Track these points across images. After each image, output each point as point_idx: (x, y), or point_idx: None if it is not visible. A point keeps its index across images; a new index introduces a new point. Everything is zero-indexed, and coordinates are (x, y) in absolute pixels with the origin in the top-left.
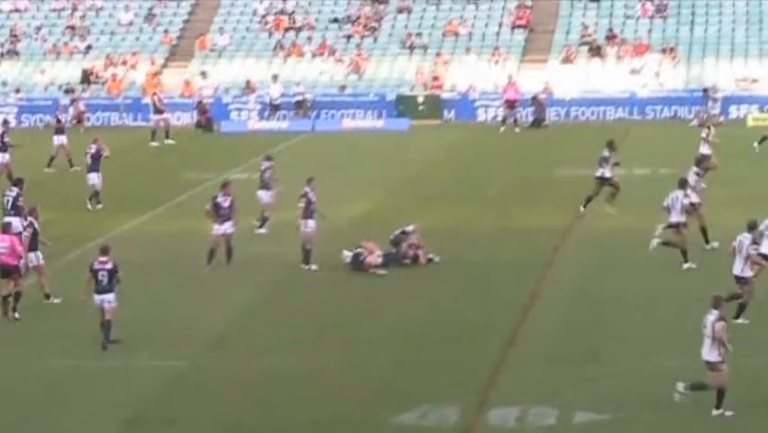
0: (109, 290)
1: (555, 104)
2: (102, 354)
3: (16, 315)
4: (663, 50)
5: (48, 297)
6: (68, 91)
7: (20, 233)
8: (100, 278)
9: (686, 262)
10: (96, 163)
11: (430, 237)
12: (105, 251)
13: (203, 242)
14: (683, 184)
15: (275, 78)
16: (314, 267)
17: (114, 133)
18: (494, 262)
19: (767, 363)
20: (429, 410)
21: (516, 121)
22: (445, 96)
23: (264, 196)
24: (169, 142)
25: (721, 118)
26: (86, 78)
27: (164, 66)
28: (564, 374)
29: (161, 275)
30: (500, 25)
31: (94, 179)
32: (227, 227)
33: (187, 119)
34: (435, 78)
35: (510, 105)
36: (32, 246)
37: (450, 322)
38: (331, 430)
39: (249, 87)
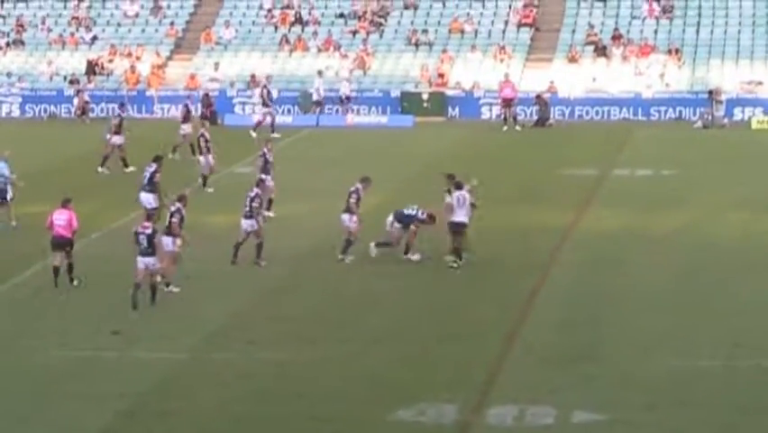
0: (150, 254)
1: (560, 103)
2: (101, 345)
3: (75, 283)
4: (669, 52)
5: (167, 285)
6: (73, 82)
7: (154, 209)
8: (140, 241)
9: None
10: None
11: (431, 234)
12: (148, 217)
13: (206, 234)
14: None
15: (320, 73)
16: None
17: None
18: (494, 260)
19: None
20: (427, 408)
21: (515, 119)
22: (450, 93)
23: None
24: (275, 135)
25: (725, 121)
26: (91, 69)
27: (169, 58)
28: (563, 374)
29: None
30: (506, 24)
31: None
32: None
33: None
34: (440, 76)
35: (507, 103)
36: (174, 232)
37: (449, 320)
38: (329, 425)
39: (253, 81)
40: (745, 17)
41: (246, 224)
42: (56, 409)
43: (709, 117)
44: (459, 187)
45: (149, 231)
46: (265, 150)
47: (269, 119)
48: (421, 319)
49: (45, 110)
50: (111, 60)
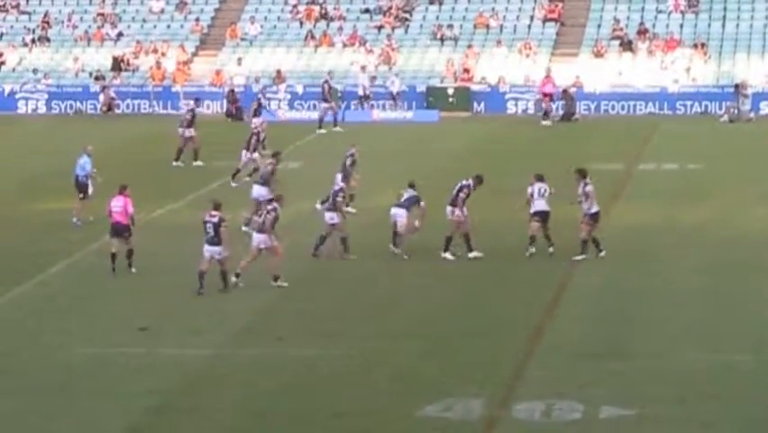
0: (216, 243)
1: (585, 98)
2: (126, 342)
3: (133, 270)
4: (695, 46)
5: (276, 279)
6: (98, 78)
7: (270, 200)
8: (207, 230)
9: None
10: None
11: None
12: (216, 206)
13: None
14: None
15: (363, 68)
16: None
17: (144, 121)
18: (521, 255)
19: None
20: (454, 403)
21: (546, 114)
22: (475, 88)
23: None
24: (338, 129)
25: (752, 114)
26: (117, 65)
27: (194, 54)
28: (590, 369)
29: (189, 264)
30: (531, 18)
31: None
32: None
33: (217, 108)
34: (466, 71)
35: (548, 98)
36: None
37: (476, 315)
38: (356, 421)
39: (279, 77)
40: None
41: (328, 216)
42: (83, 407)
43: (736, 111)
44: (540, 179)
45: (215, 219)
46: (353, 150)
47: (330, 114)
48: (447, 315)
49: (71, 106)
50: (136, 57)
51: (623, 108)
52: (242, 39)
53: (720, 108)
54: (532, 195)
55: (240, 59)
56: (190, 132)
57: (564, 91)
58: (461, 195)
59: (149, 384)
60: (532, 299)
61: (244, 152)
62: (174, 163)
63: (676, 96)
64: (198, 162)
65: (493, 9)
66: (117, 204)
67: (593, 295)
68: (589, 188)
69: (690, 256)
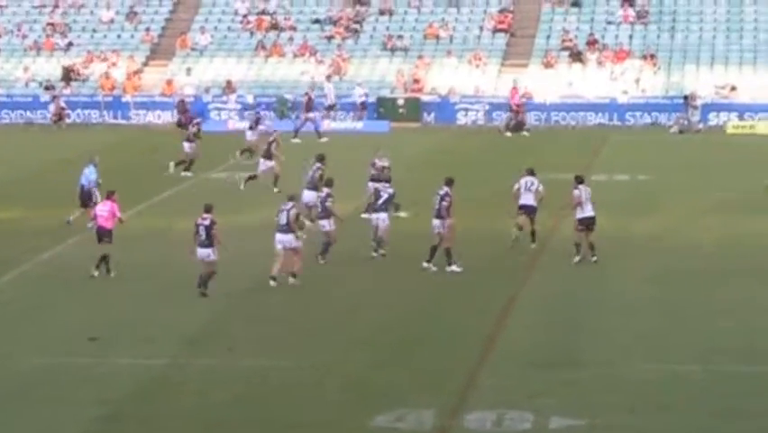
0: (207, 245)
1: (535, 108)
2: (78, 352)
3: (112, 274)
4: (644, 57)
5: (294, 276)
6: (48, 88)
7: (324, 203)
8: (200, 233)
9: None
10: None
11: (409, 240)
12: (207, 208)
13: (184, 239)
14: None
15: (329, 78)
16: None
17: (95, 130)
18: (474, 264)
19: None
20: (406, 413)
21: (521, 125)
22: (425, 99)
23: (309, 197)
24: (323, 140)
25: (701, 125)
26: (67, 75)
27: (145, 64)
28: (542, 378)
29: (141, 272)
30: (481, 29)
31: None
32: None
33: (167, 118)
34: (416, 81)
35: (518, 109)
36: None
37: (429, 324)
38: (308, 431)
39: (229, 87)
40: (719, 22)
41: (321, 223)
42: (34, 416)
43: (685, 122)
44: (531, 173)
45: (207, 222)
46: (319, 164)
47: (309, 124)
48: (400, 324)
49: (21, 116)
50: (86, 66)
51: (573, 119)
52: (193, 49)
53: (670, 119)
54: (519, 189)
55: (189, 69)
56: (189, 146)
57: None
58: (444, 204)
59: (100, 394)
60: (484, 309)
61: (262, 159)
62: (183, 173)
63: (626, 107)
64: (186, 174)
65: (443, 20)
66: (104, 208)
67: (545, 304)
68: (576, 192)
69: (641, 266)
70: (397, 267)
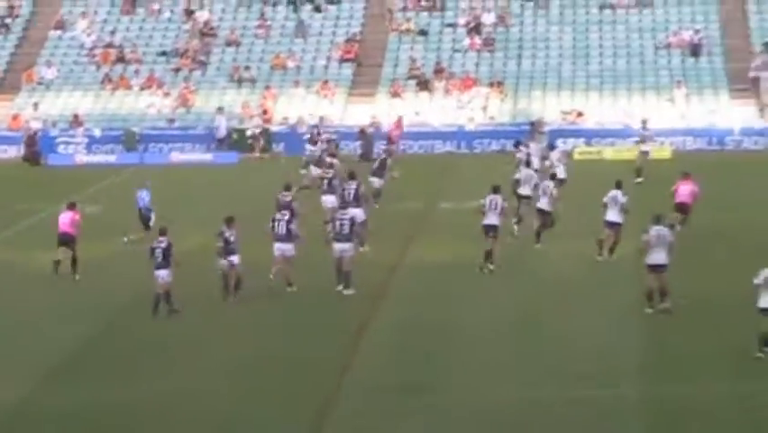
0: (164, 267)
1: (383, 138)
2: None
3: (77, 277)
4: (491, 84)
5: (290, 285)
6: None
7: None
8: (156, 255)
9: None
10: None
11: (259, 271)
12: (162, 231)
13: (37, 271)
14: None
15: (220, 110)
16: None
17: None
18: (324, 293)
19: None
20: None
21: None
22: (275, 129)
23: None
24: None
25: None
26: None
27: None
28: (395, 406)
29: None
30: (329, 59)
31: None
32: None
33: (13, 152)
34: (265, 112)
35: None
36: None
37: (281, 354)
38: None
39: (76, 121)
40: (565, 48)
41: (338, 247)
42: None
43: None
44: (496, 191)
45: (164, 245)
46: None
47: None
48: (256, 353)
49: None
50: None
51: (421, 147)
52: (39, 83)
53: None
54: (485, 207)
55: (36, 104)
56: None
57: (362, 131)
58: (219, 244)
59: None
60: (337, 337)
61: (312, 167)
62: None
63: (473, 135)
64: None
65: (290, 50)
66: (65, 217)
67: (397, 333)
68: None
69: (496, 292)
70: (257, 298)
